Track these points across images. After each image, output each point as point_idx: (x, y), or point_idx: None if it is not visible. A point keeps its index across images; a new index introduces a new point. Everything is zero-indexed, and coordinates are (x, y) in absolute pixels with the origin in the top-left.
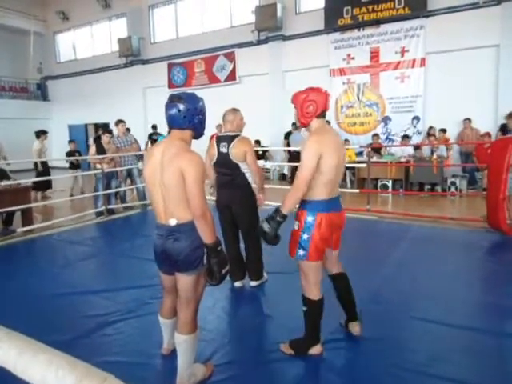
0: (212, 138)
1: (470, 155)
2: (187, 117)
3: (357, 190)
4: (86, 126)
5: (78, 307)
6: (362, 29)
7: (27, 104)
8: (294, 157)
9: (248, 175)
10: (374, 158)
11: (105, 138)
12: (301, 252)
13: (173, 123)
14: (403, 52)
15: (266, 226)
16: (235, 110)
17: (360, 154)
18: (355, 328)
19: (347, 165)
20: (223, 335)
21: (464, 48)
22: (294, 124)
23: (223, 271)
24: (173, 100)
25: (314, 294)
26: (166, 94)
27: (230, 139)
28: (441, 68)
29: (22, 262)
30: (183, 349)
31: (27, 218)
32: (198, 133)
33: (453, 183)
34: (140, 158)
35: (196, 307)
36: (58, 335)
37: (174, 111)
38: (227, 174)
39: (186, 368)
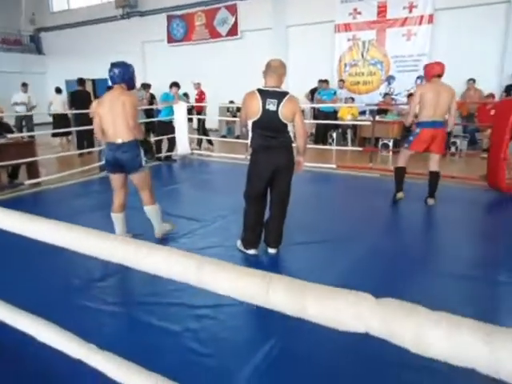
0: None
1: (471, 116)
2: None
3: (360, 149)
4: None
5: (86, 257)
6: None
7: (21, 57)
8: (323, 116)
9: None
10: (377, 118)
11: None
12: (406, 145)
13: (115, 80)
14: (411, 7)
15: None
16: (283, 62)
17: (363, 113)
18: (430, 201)
19: (348, 123)
20: None
21: (474, 4)
22: (323, 81)
23: (152, 152)
24: (114, 66)
25: (399, 164)
26: (165, 49)
27: (279, 96)
28: (449, 25)
29: (29, 213)
30: (154, 214)
31: (33, 171)
32: (130, 86)
33: (453, 143)
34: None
35: (151, 188)
36: (77, 280)
37: (117, 71)
38: (272, 135)
39: (159, 225)
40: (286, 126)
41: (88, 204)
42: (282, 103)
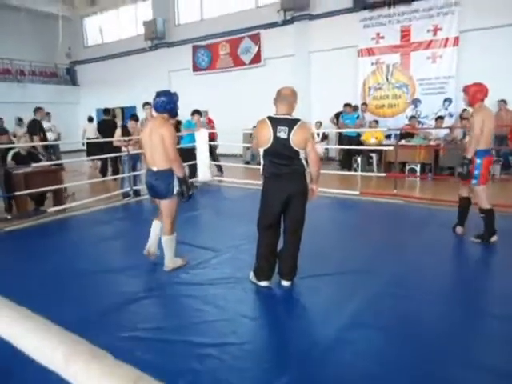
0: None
1: (504, 139)
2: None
3: (383, 174)
4: (113, 110)
5: (105, 284)
6: (392, 6)
7: (57, 89)
8: (347, 140)
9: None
10: (402, 141)
11: (131, 123)
12: (474, 181)
13: (158, 109)
14: (436, 30)
15: (460, 168)
16: (294, 90)
17: (388, 137)
18: (459, 229)
19: (373, 147)
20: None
21: (501, 25)
22: (346, 105)
23: (190, 193)
24: (159, 95)
25: (486, 204)
26: (190, 78)
27: (290, 123)
28: (476, 47)
29: (53, 240)
30: (167, 245)
31: (58, 198)
32: (172, 115)
33: None
34: None
35: (172, 219)
36: (87, 311)
37: (160, 101)
38: (284, 162)
39: (170, 257)
40: (297, 153)
41: (110, 231)
42: (292, 130)
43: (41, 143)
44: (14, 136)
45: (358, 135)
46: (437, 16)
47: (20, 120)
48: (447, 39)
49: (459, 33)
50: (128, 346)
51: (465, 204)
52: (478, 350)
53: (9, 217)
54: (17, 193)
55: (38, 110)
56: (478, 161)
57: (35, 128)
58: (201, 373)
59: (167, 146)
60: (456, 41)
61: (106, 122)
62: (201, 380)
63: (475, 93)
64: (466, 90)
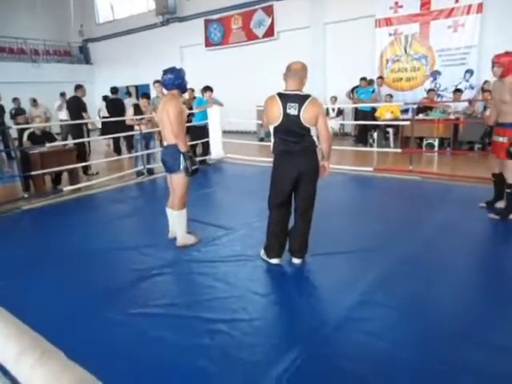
0: None
1: None
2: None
3: (399, 150)
4: (127, 87)
5: (118, 262)
6: None
7: (71, 68)
8: (362, 115)
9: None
10: (420, 116)
11: (142, 102)
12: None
13: (167, 86)
14: None
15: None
16: (305, 65)
17: (406, 111)
18: (500, 204)
19: (389, 122)
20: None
21: None
22: (362, 79)
23: (193, 168)
24: (166, 73)
25: None
26: (203, 53)
27: (301, 99)
28: (501, 14)
29: (69, 218)
30: (177, 220)
31: (73, 177)
32: (182, 90)
33: None
34: None
35: (182, 194)
36: (99, 288)
37: (168, 78)
38: (294, 139)
39: (181, 234)
40: (308, 130)
41: (124, 210)
42: (303, 107)
43: (87, 120)
44: (32, 119)
45: (374, 110)
46: None
47: (34, 101)
48: (470, 6)
49: None
50: (139, 322)
51: (501, 179)
52: (494, 331)
53: (26, 195)
54: (33, 172)
55: (79, 87)
56: None
57: (81, 105)
58: (211, 348)
59: (171, 121)
60: (479, 7)
61: (113, 101)
62: (211, 355)
63: (511, 63)
64: (498, 60)
